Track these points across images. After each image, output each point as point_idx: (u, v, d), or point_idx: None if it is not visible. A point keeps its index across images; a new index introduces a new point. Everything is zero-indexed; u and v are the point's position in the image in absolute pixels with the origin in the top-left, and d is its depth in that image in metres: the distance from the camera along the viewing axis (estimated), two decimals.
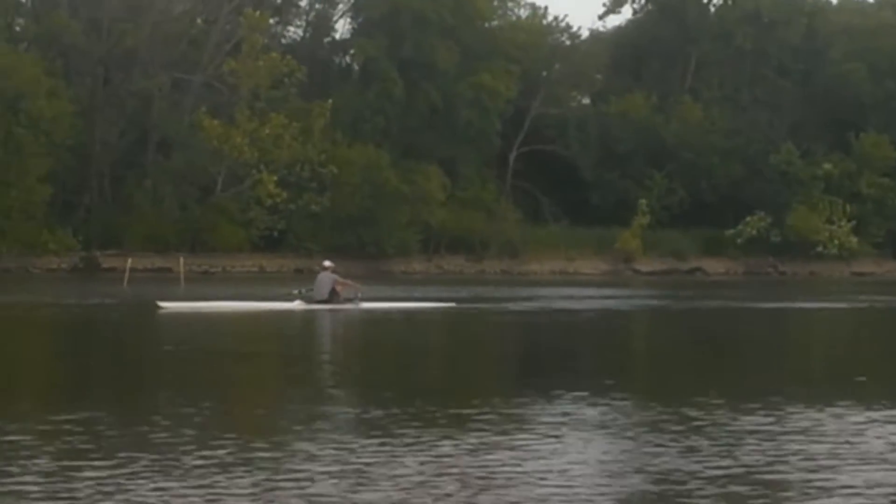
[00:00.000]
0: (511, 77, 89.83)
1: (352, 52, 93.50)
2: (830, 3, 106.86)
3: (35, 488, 10.82)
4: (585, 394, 17.35)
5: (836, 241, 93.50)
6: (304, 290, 38.65)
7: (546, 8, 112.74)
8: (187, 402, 16.33)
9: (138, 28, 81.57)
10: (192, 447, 12.71)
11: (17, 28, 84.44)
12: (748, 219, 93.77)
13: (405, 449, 12.75)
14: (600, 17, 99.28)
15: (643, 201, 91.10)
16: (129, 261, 62.70)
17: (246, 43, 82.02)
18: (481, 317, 38.39)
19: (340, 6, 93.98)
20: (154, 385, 19.45)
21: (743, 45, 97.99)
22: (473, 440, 13.32)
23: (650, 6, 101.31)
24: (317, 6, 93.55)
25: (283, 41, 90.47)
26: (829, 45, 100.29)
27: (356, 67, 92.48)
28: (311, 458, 12.27)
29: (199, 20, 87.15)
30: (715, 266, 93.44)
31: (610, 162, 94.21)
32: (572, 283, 68.75)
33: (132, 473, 11.38)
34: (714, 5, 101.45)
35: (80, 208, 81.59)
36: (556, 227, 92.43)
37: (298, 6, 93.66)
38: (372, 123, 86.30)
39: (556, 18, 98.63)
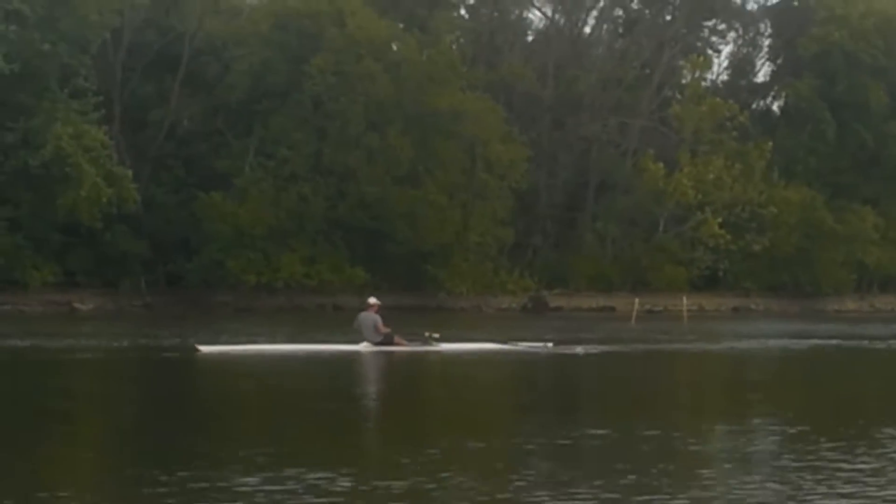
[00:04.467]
0: None
1: (773, 93, 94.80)
2: None
3: None
4: None
5: None
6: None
7: None
8: None
9: (585, 74, 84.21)
10: None
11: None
12: None
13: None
14: None
15: None
16: (637, 301, 64.89)
17: (689, 87, 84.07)
18: None
19: (765, 49, 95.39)
20: None
21: None
22: None
23: None
24: (743, 50, 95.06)
25: (705, 83, 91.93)
26: None
27: (777, 108, 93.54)
28: None
29: (636, 65, 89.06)
30: None
31: None
32: None
33: None
34: None
35: (528, 249, 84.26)
36: None
37: (719, 50, 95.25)
38: (804, 164, 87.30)
39: None
